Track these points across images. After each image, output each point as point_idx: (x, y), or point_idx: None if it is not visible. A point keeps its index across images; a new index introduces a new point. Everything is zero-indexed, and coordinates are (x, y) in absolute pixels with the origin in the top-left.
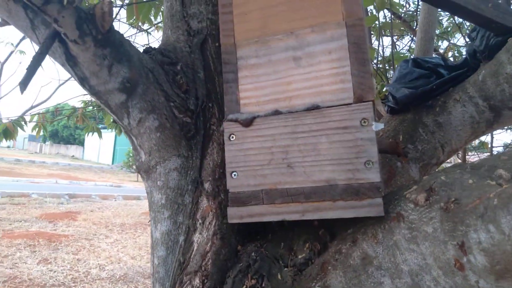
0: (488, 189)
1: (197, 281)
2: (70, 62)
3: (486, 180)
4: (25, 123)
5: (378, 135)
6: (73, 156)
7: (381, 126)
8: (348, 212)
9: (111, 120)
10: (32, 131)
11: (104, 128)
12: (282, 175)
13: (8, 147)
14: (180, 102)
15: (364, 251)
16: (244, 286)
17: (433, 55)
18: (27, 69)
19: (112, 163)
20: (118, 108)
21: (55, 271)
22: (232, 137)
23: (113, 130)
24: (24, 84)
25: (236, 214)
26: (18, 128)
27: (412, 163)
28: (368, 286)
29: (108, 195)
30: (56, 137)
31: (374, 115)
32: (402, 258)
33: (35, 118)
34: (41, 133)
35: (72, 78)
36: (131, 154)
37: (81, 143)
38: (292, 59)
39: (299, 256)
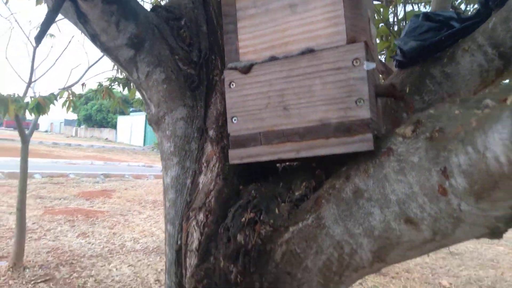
0: (472, 117)
1: (201, 216)
2: (81, 19)
3: (473, 110)
4: (56, 99)
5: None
6: (106, 138)
7: (372, 65)
8: (340, 148)
9: (135, 95)
10: (62, 107)
11: (135, 111)
12: (278, 117)
13: (46, 131)
14: (184, 54)
15: (356, 185)
16: (244, 219)
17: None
18: (40, 26)
19: (144, 145)
20: (127, 63)
21: (92, 244)
22: (232, 85)
23: (143, 111)
24: (38, 38)
25: (237, 156)
26: (51, 106)
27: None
28: (358, 217)
29: (140, 175)
30: (90, 121)
31: (366, 55)
32: (390, 189)
33: (65, 94)
34: (71, 110)
35: (101, 60)
36: None
37: (114, 126)
38: (289, 6)
39: (296, 193)
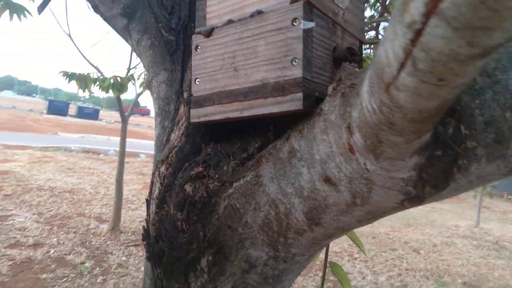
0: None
1: (163, 168)
2: None
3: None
4: (133, 79)
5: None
6: None
7: (311, 24)
8: (275, 108)
9: None
10: (140, 87)
11: None
12: (229, 78)
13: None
14: (165, 22)
15: (291, 145)
16: (193, 172)
17: None
18: None
19: None
20: (123, 31)
21: None
22: (198, 48)
23: None
24: (41, 7)
25: (195, 115)
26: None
27: None
28: (291, 176)
29: None
30: None
31: (309, 15)
32: (316, 148)
33: (142, 76)
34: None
35: None
36: None
37: None
38: None
39: (245, 153)
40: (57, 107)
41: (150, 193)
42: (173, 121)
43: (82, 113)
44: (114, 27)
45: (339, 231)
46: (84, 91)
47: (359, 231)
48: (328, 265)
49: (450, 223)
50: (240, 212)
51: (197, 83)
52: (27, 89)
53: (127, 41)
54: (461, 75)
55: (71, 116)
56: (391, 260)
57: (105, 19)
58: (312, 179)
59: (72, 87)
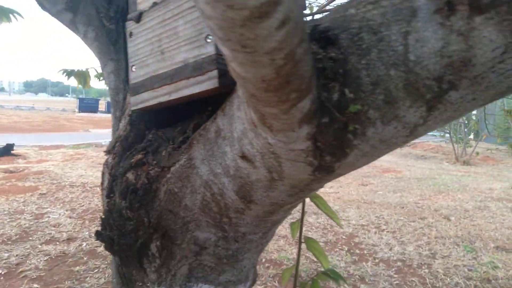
0: None
1: (110, 159)
2: None
3: None
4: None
5: None
6: None
7: None
8: (196, 88)
9: None
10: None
11: None
12: (158, 62)
13: None
14: (105, 12)
15: (217, 124)
16: (133, 160)
17: None
18: None
19: None
20: (70, 25)
21: None
22: (131, 35)
23: None
24: None
25: (134, 102)
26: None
27: None
28: (218, 156)
29: None
30: None
31: None
32: (234, 126)
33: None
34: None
35: None
36: None
37: None
38: None
39: (181, 137)
40: (88, 104)
41: (102, 183)
42: (122, 110)
43: (82, 106)
44: (62, 22)
45: (276, 206)
46: (84, 86)
47: (387, 202)
48: (303, 240)
49: (484, 187)
50: (179, 196)
51: (133, 70)
52: (60, 90)
53: (77, 34)
54: (259, 39)
55: (101, 112)
56: (420, 229)
57: (52, 15)
58: (234, 157)
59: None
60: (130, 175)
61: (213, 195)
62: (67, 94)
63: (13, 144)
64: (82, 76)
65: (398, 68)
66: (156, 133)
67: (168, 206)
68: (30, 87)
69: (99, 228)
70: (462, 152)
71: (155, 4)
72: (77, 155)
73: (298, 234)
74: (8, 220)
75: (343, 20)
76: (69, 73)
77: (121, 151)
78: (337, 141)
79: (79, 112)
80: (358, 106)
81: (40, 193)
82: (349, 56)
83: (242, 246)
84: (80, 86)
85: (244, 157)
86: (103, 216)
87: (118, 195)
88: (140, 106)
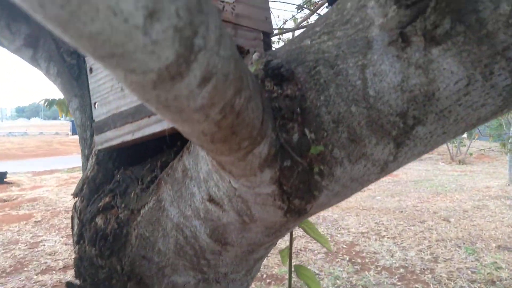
0: None
1: (78, 202)
2: None
3: None
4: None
5: None
6: None
7: None
8: (158, 126)
9: None
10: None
11: None
12: (119, 99)
13: None
14: (65, 47)
15: (184, 163)
16: (101, 203)
17: None
18: None
19: None
20: (32, 61)
21: None
22: (91, 70)
23: None
24: None
25: (98, 141)
26: None
27: None
28: (186, 197)
29: None
30: None
31: None
32: (200, 166)
33: None
34: None
35: None
36: None
37: None
38: None
39: (150, 176)
40: None
41: (72, 228)
42: (90, 148)
43: (75, 128)
44: (23, 58)
45: (255, 246)
46: (66, 115)
47: (385, 207)
48: (293, 269)
49: (480, 185)
50: (151, 241)
51: (96, 107)
52: (52, 113)
53: (39, 70)
54: (181, 99)
55: None
56: (420, 233)
57: (12, 52)
58: (203, 199)
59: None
60: (99, 220)
61: (186, 238)
62: (59, 118)
63: (6, 172)
64: (64, 105)
65: (359, 104)
66: (124, 173)
67: (141, 252)
68: (22, 112)
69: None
70: (457, 151)
71: None
72: (71, 179)
73: (285, 263)
74: (2, 251)
75: (299, 52)
76: (50, 103)
77: (89, 194)
78: (303, 184)
79: (73, 134)
80: (320, 147)
81: (35, 221)
82: (307, 92)
83: (226, 286)
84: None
85: (212, 200)
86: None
87: (87, 241)
88: (105, 145)
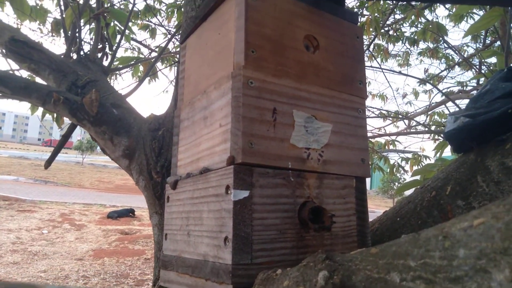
0: None
1: None
2: (93, 140)
3: None
4: None
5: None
6: None
7: (243, 194)
8: None
9: None
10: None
11: None
12: (184, 243)
13: None
14: (153, 165)
15: None
16: None
17: None
18: (53, 151)
19: (370, 188)
20: (127, 170)
21: None
22: (168, 200)
23: None
24: (48, 162)
25: (163, 278)
26: None
27: None
28: None
29: None
30: None
31: (241, 181)
32: None
33: None
34: None
35: None
36: (385, 180)
37: None
38: (203, 118)
39: None
40: None
41: None
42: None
43: None
44: (121, 166)
45: None
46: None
47: None
48: None
49: None
50: None
51: (166, 239)
52: None
53: (132, 179)
54: None
55: None
56: None
57: (113, 160)
58: None
59: None
60: None
61: None
62: None
63: (134, 210)
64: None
65: None
66: None
67: None
68: None
69: None
70: None
71: (189, 175)
72: None
73: None
74: (114, 283)
75: None
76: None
77: None
78: None
79: None
80: None
81: (145, 258)
82: None
83: None
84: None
85: None
86: None
87: None
88: (166, 284)
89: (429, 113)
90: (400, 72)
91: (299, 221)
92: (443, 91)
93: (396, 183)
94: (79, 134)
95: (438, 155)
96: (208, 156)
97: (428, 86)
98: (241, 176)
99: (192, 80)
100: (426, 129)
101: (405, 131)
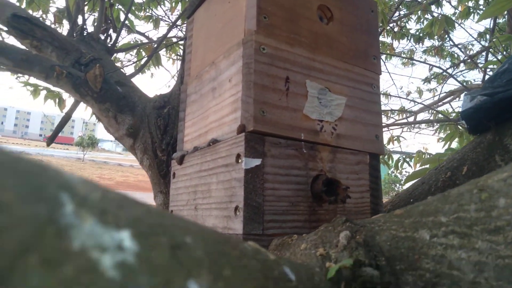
0: None
1: None
2: (97, 119)
3: None
4: None
5: (437, 167)
6: None
7: (255, 162)
8: None
9: None
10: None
11: None
12: (191, 217)
13: None
14: (159, 143)
15: None
16: None
17: None
18: (55, 128)
19: None
20: (131, 150)
21: None
22: (174, 176)
23: None
24: (51, 140)
25: None
26: None
27: None
28: None
29: None
30: None
31: (252, 149)
32: None
33: None
34: None
35: None
36: (386, 181)
37: None
38: (211, 90)
39: None
40: None
41: None
42: None
43: None
44: (124, 145)
45: None
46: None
47: None
48: None
49: None
50: None
51: None
52: None
53: (136, 159)
54: None
55: None
56: None
57: (116, 139)
58: None
59: None
60: None
61: None
62: None
63: None
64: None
65: None
66: None
67: None
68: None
69: None
70: None
71: (196, 149)
72: None
73: None
74: None
75: (409, 246)
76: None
77: None
78: None
79: None
80: None
81: None
82: None
83: None
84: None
85: None
86: None
87: None
88: None
89: (432, 110)
90: (414, 58)
91: (311, 194)
92: (447, 91)
93: (398, 185)
94: (80, 131)
95: (447, 145)
96: (217, 128)
97: (433, 85)
98: (252, 144)
99: (199, 54)
100: (431, 126)
101: (413, 124)
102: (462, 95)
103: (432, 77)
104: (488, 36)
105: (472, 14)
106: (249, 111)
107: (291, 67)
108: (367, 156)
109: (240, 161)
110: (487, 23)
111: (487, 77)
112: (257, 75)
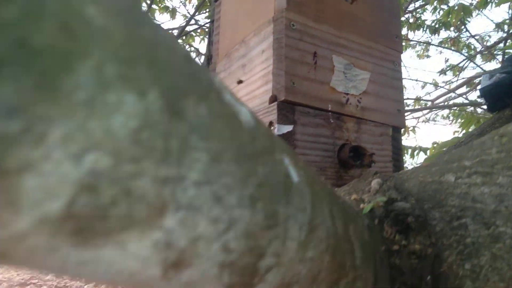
0: None
1: None
2: None
3: None
4: None
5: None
6: None
7: (287, 128)
8: None
9: None
10: None
11: None
12: None
13: None
14: None
15: None
16: None
17: None
18: None
19: None
20: None
21: None
22: None
23: None
24: None
25: None
26: None
27: None
28: None
29: None
30: None
31: (284, 117)
32: None
33: None
34: None
35: None
36: None
37: None
38: (241, 66)
39: None
40: None
41: None
42: None
43: None
44: None
45: None
46: None
47: None
48: None
49: None
50: None
51: None
52: None
53: None
54: None
55: None
56: None
57: None
58: None
59: None
60: None
61: None
62: None
63: None
64: None
65: None
66: None
67: None
68: None
69: None
70: None
71: None
72: None
73: None
74: None
75: (437, 189)
76: None
77: None
78: None
79: None
80: None
81: None
82: (444, 250)
83: None
84: None
85: None
86: None
87: None
88: None
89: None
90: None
91: (338, 161)
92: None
93: None
94: None
95: (464, 131)
96: (248, 101)
97: (448, 77)
98: (284, 112)
99: (228, 34)
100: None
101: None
102: (479, 85)
103: (448, 68)
104: (506, 27)
105: (490, 4)
106: (280, 83)
107: (318, 42)
108: (390, 128)
109: (273, 127)
110: (504, 13)
111: None
112: (288, 49)
